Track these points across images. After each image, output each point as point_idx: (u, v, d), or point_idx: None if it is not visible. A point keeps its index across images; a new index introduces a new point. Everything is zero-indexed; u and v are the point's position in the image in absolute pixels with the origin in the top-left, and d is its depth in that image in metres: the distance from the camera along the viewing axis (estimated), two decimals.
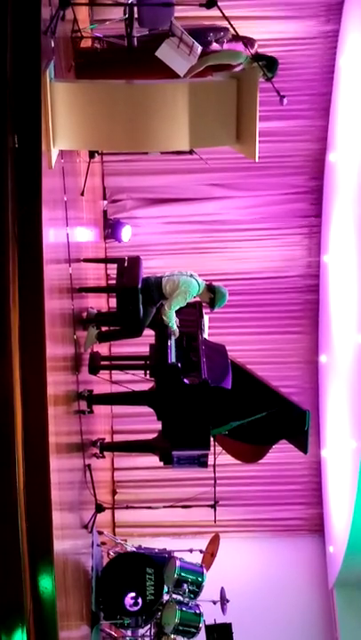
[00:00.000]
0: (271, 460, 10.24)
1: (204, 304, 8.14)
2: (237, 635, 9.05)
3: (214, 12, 6.14)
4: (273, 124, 10.61)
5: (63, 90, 5.90)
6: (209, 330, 8.41)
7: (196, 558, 9.24)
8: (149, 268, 8.89)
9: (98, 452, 8.63)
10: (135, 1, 7.63)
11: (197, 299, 7.96)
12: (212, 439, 7.74)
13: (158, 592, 8.40)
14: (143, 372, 8.35)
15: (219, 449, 8.15)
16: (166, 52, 6.44)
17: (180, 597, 8.54)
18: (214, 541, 9.54)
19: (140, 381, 8.37)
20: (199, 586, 8.59)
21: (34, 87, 5.49)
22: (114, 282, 8.85)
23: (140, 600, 8.33)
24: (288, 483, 12.22)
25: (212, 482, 8.81)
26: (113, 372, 9.23)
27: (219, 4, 6.07)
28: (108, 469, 11.51)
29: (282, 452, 9.43)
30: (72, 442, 7.18)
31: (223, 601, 9.05)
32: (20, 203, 5.36)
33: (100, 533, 9.16)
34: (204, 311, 8.34)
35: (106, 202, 11.43)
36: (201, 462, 7.74)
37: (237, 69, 6.73)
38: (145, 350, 8.49)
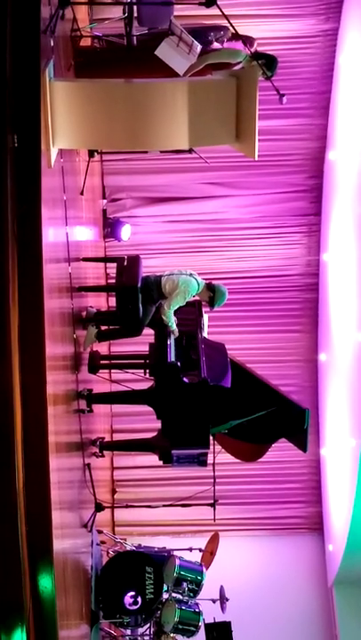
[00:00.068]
0: (271, 459, 10.25)
1: (203, 303, 8.13)
2: (237, 633, 9.05)
3: (214, 11, 6.14)
4: (272, 122, 10.60)
5: (63, 89, 5.90)
6: (208, 328, 8.41)
7: (196, 557, 9.25)
8: (149, 267, 8.87)
9: (97, 451, 8.63)
10: (134, 0, 7.63)
11: (197, 297, 7.96)
12: (211, 438, 7.75)
13: (158, 591, 8.41)
14: (143, 371, 8.35)
15: (218, 448, 8.16)
16: (166, 51, 6.43)
17: (179, 596, 8.54)
18: (214, 540, 9.55)
19: (139, 380, 8.37)
20: (199, 584, 8.58)
21: (33, 86, 5.48)
22: (113, 281, 8.86)
23: (139, 599, 8.32)
24: (288, 481, 12.22)
25: (212, 480, 8.83)
26: (112, 371, 9.22)
27: (218, 2, 6.06)
28: (107, 468, 11.51)
29: (281, 451, 9.43)
30: (72, 441, 7.18)
31: (223, 599, 9.06)
32: (19, 202, 5.35)
33: (100, 532, 9.16)
34: (203, 310, 8.33)
35: (105, 201, 11.41)
36: (200, 461, 7.74)
37: (237, 68, 6.74)
38: (144, 349, 8.48)
